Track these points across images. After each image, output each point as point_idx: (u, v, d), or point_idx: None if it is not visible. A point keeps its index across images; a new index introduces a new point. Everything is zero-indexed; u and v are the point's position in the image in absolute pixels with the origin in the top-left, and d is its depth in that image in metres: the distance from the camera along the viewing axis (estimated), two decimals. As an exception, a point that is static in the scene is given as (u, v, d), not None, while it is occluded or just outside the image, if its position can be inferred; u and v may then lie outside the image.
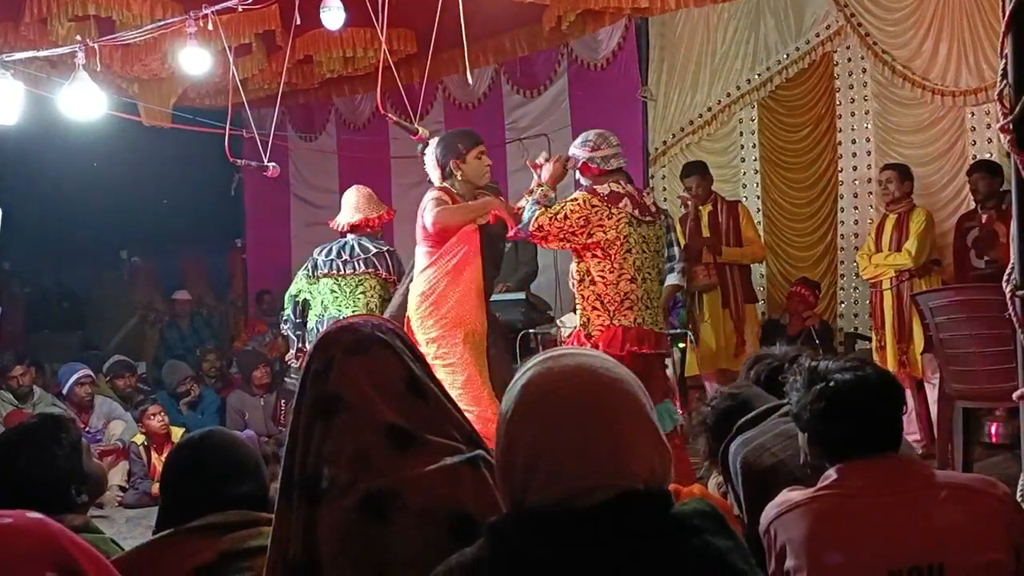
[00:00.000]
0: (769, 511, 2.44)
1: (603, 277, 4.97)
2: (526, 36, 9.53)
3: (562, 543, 1.47)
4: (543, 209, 4.95)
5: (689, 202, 7.64)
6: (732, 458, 2.96)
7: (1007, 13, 2.95)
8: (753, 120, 8.66)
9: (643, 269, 5.01)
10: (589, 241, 4.94)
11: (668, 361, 6.83)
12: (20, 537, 1.35)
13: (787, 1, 8.38)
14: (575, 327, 5.39)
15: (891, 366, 6.56)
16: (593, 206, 4.92)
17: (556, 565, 1.46)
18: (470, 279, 5.11)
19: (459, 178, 5.22)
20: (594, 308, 5.02)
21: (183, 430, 7.88)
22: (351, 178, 10.80)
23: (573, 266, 5.15)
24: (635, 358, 4.83)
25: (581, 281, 5.07)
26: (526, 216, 4.99)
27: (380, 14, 5.72)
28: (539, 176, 5.10)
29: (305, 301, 6.48)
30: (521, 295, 7.23)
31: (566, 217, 4.90)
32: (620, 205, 4.96)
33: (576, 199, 4.96)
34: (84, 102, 6.22)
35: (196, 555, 2.17)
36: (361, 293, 6.26)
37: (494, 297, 5.79)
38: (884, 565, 2.25)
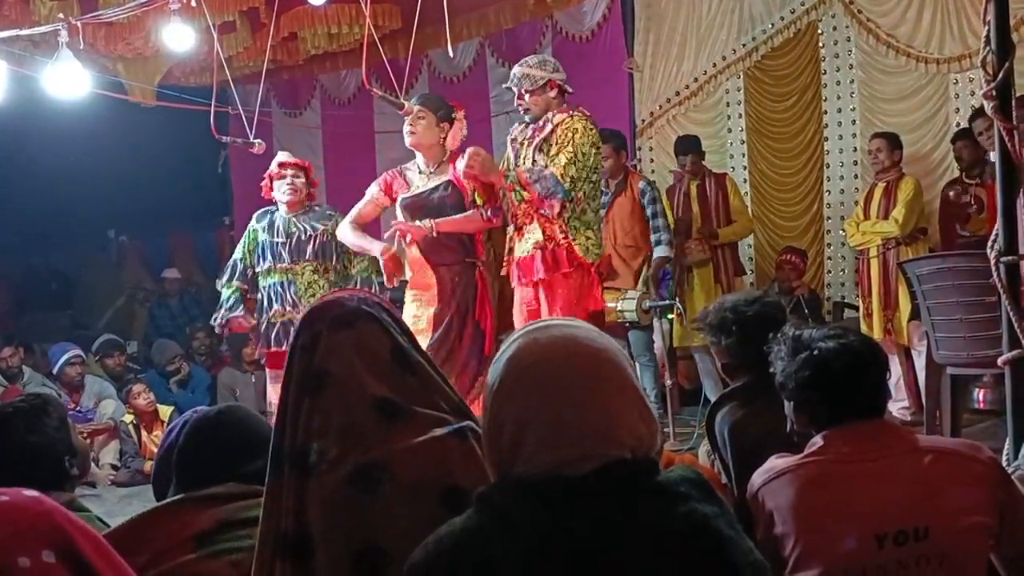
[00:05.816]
0: (756, 478, 2.46)
1: None
2: (510, 8, 9.48)
3: (550, 512, 1.49)
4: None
5: (684, 177, 7.65)
6: (719, 428, 2.98)
7: (989, -21, 2.96)
8: (739, 90, 8.62)
9: None
10: None
11: (656, 332, 6.87)
12: (16, 515, 1.36)
13: (771, -30, 8.35)
14: None
15: (877, 334, 6.58)
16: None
17: (545, 534, 1.48)
18: None
19: None
20: None
21: (172, 408, 7.91)
22: (336, 153, 10.82)
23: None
24: None
25: None
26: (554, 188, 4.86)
27: (364, -10, 5.71)
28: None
29: None
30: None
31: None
32: None
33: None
34: (68, 81, 6.17)
35: (196, 523, 2.17)
36: None
37: None
38: (870, 529, 2.27)
